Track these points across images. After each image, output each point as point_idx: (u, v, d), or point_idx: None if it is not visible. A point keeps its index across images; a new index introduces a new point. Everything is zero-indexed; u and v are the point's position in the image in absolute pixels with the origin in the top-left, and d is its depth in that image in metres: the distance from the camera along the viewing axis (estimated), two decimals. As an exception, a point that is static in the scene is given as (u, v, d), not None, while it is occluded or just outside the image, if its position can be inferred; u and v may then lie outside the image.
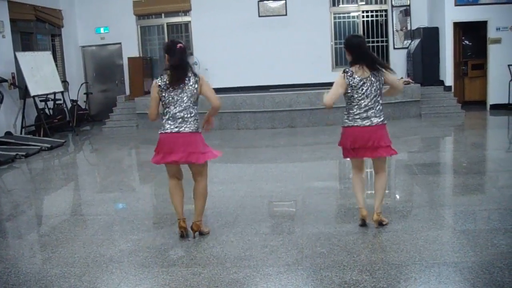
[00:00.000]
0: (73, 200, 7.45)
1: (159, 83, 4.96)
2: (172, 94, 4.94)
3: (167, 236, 5.31)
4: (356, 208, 5.89)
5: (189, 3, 15.51)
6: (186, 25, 15.82)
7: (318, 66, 14.35)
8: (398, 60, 15.02)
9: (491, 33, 13.48)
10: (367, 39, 15.16)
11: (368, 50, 5.12)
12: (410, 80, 13.71)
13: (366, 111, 5.02)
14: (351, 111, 5.08)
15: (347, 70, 5.03)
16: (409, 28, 14.95)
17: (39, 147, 11.11)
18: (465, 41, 14.63)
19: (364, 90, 4.98)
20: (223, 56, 15.18)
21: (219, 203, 6.47)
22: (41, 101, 13.19)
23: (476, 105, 14.15)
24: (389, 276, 4.06)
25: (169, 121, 4.99)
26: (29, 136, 12.50)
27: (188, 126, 5.00)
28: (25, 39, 13.95)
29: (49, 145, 11.32)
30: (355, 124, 5.06)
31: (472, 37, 14.53)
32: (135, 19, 15.94)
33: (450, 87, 13.94)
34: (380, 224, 5.18)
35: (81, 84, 15.85)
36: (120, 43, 15.89)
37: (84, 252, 4.98)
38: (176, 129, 4.97)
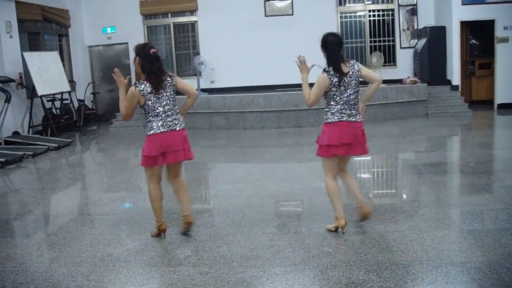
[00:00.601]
0: (80, 200, 7.48)
1: (141, 91, 5.00)
2: (157, 96, 5.01)
3: (174, 236, 5.32)
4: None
5: (196, 3, 15.52)
6: (193, 24, 15.83)
7: (323, 66, 14.28)
8: (405, 59, 14.99)
9: (499, 32, 13.41)
10: (374, 39, 15.17)
11: (341, 49, 5.02)
12: (417, 80, 13.67)
13: (349, 107, 4.97)
14: (336, 107, 4.99)
15: (327, 69, 4.96)
16: (416, 27, 14.90)
17: (46, 147, 11.16)
18: (472, 40, 14.57)
19: (346, 86, 4.93)
20: (229, 56, 15.19)
21: (225, 202, 6.48)
22: (48, 101, 13.25)
23: (483, 104, 14.11)
24: (396, 276, 4.05)
25: (159, 121, 5.03)
26: (36, 135, 12.55)
27: (178, 124, 5.12)
28: (32, 39, 14.00)
29: (56, 145, 11.36)
30: (343, 119, 4.96)
31: (479, 36, 14.47)
32: (142, 19, 15.96)
33: (457, 86, 13.89)
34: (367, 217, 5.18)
35: (88, 84, 15.91)
36: (127, 43, 15.90)
37: (91, 251, 4.99)
38: (169, 128, 5.05)
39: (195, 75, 15.04)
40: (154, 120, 5.03)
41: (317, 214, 5.75)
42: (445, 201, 6.17)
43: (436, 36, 13.89)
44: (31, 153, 10.46)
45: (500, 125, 12.50)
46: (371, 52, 14.84)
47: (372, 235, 5.01)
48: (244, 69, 15.08)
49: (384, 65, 14.33)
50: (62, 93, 13.55)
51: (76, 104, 14.77)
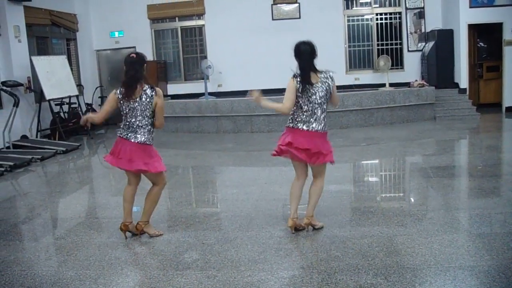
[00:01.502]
0: (88, 203, 7.50)
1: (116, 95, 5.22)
2: (127, 105, 5.14)
3: (181, 239, 5.33)
4: (370, 211, 5.89)
5: (203, 7, 15.57)
6: (200, 28, 15.88)
7: (331, 69, 14.27)
8: (412, 62, 14.97)
9: (507, 35, 13.36)
10: (381, 42, 15.15)
11: (312, 58, 5.10)
12: (425, 83, 13.63)
13: (307, 116, 5.04)
14: (295, 114, 5.11)
15: (296, 74, 5.08)
16: (423, 30, 14.88)
17: (54, 151, 11.20)
18: (480, 43, 14.52)
19: (309, 96, 5.00)
20: (236, 60, 15.22)
21: (233, 206, 6.49)
22: (56, 105, 13.30)
23: (491, 107, 14.04)
24: (404, 280, 4.04)
25: (123, 127, 5.22)
26: (44, 139, 12.61)
27: (137, 136, 5.18)
28: (40, 44, 14.08)
29: (64, 149, 11.40)
30: (298, 127, 5.08)
31: (487, 39, 14.42)
32: (149, 23, 16.02)
33: (465, 89, 13.84)
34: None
35: (96, 88, 15.97)
36: (134, 47, 15.93)
37: (99, 254, 5.01)
38: (126, 137, 5.20)
39: (203, 79, 15.07)
40: (123, 128, 5.23)
41: (324, 217, 5.74)
42: (453, 205, 6.14)
43: (443, 39, 13.86)
44: (39, 157, 10.50)
45: (508, 128, 12.45)
46: (378, 55, 14.83)
47: (380, 239, 5.00)
48: (251, 72, 15.09)
49: (391, 68, 14.32)
50: (70, 97, 13.60)
51: (84, 108, 14.82)
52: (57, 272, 4.64)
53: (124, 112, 5.17)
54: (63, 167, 10.34)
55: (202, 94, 14.57)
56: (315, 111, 5.04)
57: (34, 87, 12.79)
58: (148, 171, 5.26)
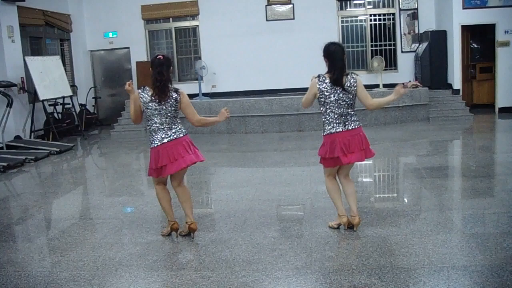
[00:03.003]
0: (82, 204, 7.48)
1: (141, 96, 5.11)
2: (155, 107, 5.05)
3: (176, 240, 5.33)
4: (364, 211, 5.90)
5: (197, 8, 15.56)
6: (194, 29, 15.87)
7: (326, 70, 14.30)
8: (406, 63, 15.03)
9: (499, 36, 13.45)
10: (375, 43, 15.19)
11: (343, 59, 5.10)
12: (418, 84, 13.68)
13: (338, 117, 5.07)
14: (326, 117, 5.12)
15: (320, 75, 5.12)
16: (417, 31, 14.93)
17: (48, 151, 11.18)
18: (473, 44, 14.60)
19: (334, 98, 5.02)
20: (231, 60, 15.23)
21: (227, 207, 6.49)
22: (50, 105, 13.28)
23: (484, 108, 14.12)
24: (398, 280, 4.06)
25: (158, 134, 5.11)
26: (38, 140, 12.58)
27: (178, 133, 5.13)
28: (34, 44, 14.05)
29: (58, 149, 11.38)
30: (337, 131, 5.08)
31: (480, 40, 14.51)
32: (143, 24, 16.00)
33: (458, 90, 13.91)
34: None
35: (90, 88, 15.93)
36: (128, 48, 15.97)
37: (94, 255, 5.00)
38: (169, 139, 5.08)
39: (197, 79, 15.07)
40: (153, 133, 5.12)
41: (319, 218, 5.75)
42: (446, 205, 6.17)
43: (437, 40, 13.92)
44: (33, 157, 10.48)
45: (501, 129, 12.51)
46: (372, 56, 14.87)
47: (374, 239, 5.01)
48: (245, 73, 15.12)
49: (385, 69, 14.37)
50: (63, 97, 13.56)
51: (77, 109, 14.79)
52: (51, 273, 4.63)
53: (149, 115, 5.07)
54: (56, 168, 10.31)
55: (196, 95, 14.57)
56: (345, 112, 5.08)
57: (28, 88, 12.77)
58: (198, 160, 5.16)
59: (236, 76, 15.19)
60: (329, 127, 5.09)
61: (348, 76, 5.07)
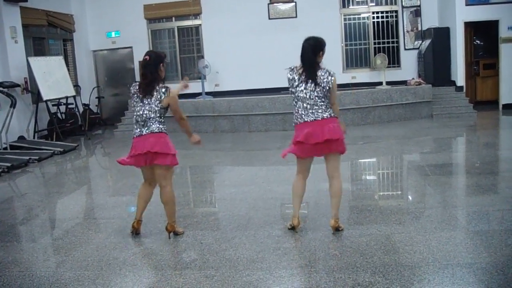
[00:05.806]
0: (86, 204, 7.49)
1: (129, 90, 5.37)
2: (137, 101, 5.24)
3: (179, 239, 5.33)
4: (368, 209, 5.89)
5: (200, 7, 15.56)
6: (197, 28, 15.86)
7: (328, 68, 14.28)
8: (409, 60, 14.98)
9: (503, 33, 13.40)
10: (378, 40, 15.15)
11: (314, 54, 5.19)
12: (422, 81, 13.65)
13: (306, 108, 5.04)
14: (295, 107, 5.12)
15: (292, 67, 5.25)
16: (419, 28, 14.89)
17: (51, 151, 11.19)
18: (476, 41, 14.55)
19: (302, 88, 5.06)
20: (233, 59, 15.21)
21: (231, 205, 6.48)
22: (53, 105, 13.29)
23: (488, 105, 14.07)
24: (402, 278, 4.05)
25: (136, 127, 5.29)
26: (41, 140, 12.59)
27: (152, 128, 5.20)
28: (37, 44, 14.07)
29: (61, 149, 11.40)
30: (305, 120, 5.03)
31: (484, 37, 14.44)
32: (146, 23, 16.00)
33: (461, 87, 13.87)
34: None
35: (93, 88, 15.95)
36: (131, 47, 15.96)
37: (98, 255, 5.00)
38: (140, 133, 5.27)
39: (200, 78, 15.06)
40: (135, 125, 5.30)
41: (322, 216, 5.74)
42: (451, 202, 6.16)
43: (440, 37, 13.88)
44: (36, 157, 10.49)
45: (505, 126, 12.48)
46: (375, 54, 14.83)
47: (378, 237, 5.00)
48: (248, 72, 15.11)
49: (388, 67, 14.34)
50: (67, 97, 13.59)
51: (81, 109, 14.81)
52: (55, 273, 4.64)
53: (133, 107, 5.27)
54: (60, 168, 10.33)
55: (199, 94, 14.57)
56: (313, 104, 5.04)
57: (31, 88, 12.79)
58: (164, 153, 5.18)
59: (239, 74, 15.17)
60: (298, 117, 5.06)
61: (324, 72, 5.09)
